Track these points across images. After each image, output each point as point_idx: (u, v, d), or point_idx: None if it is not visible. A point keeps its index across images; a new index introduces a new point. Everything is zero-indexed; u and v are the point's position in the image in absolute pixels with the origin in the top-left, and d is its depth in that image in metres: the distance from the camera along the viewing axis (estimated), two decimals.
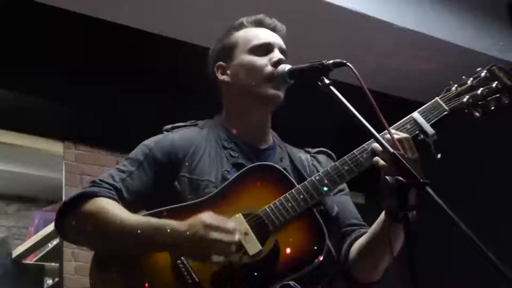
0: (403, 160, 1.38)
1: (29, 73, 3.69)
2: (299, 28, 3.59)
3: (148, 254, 1.66)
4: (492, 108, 1.77)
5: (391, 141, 1.50)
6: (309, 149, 1.95)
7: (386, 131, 1.60)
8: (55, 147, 4.19)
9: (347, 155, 1.72)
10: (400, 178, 1.39)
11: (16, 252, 4.78)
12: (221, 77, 1.88)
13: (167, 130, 1.86)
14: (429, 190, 1.32)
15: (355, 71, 1.52)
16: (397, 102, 4.35)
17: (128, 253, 1.65)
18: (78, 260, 3.98)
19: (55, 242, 4.38)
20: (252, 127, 1.87)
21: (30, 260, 4.78)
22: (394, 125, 1.73)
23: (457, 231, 1.29)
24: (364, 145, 1.71)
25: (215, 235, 1.55)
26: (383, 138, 1.48)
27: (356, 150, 1.72)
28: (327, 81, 1.58)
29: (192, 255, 1.60)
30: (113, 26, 3.49)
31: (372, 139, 1.63)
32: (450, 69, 4.18)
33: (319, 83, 1.59)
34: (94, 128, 4.16)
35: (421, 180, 1.33)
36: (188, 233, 1.56)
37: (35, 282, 4.69)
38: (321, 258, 1.62)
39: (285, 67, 1.77)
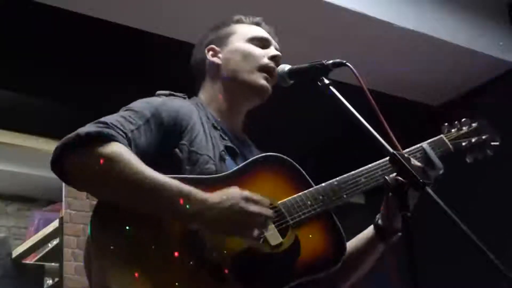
0: (403, 161, 1.38)
1: (29, 73, 3.69)
2: (299, 28, 3.59)
3: (162, 220, 1.49)
4: (479, 157, 1.96)
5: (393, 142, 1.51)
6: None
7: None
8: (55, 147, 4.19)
9: (365, 167, 1.72)
10: (400, 178, 1.39)
11: (16, 252, 4.78)
12: (212, 58, 1.84)
13: (165, 95, 1.75)
14: (429, 190, 1.32)
15: (355, 71, 1.52)
16: (397, 102, 4.36)
17: (143, 210, 1.47)
18: (78, 260, 3.98)
19: (55, 242, 4.38)
20: (232, 114, 1.83)
21: (30, 260, 4.78)
22: (405, 151, 1.74)
23: (457, 231, 1.29)
24: (381, 160, 1.72)
25: (255, 208, 1.45)
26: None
27: (373, 164, 1.72)
28: (326, 81, 1.58)
29: (224, 228, 1.46)
30: (113, 26, 3.49)
31: (385, 155, 1.58)
32: (450, 69, 4.20)
33: (318, 83, 1.59)
34: None
35: (421, 180, 1.33)
36: (224, 204, 1.44)
37: (35, 282, 4.68)
38: (339, 264, 1.59)
39: (285, 67, 1.77)
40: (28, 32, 3.44)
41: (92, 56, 3.69)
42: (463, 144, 1.93)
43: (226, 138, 1.74)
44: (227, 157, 1.69)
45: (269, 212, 1.49)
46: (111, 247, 1.42)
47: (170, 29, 3.61)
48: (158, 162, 1.55)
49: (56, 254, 4.20)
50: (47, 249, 4.56)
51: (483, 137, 1.96)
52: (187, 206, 1.43)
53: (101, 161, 1.45)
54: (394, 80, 4.26)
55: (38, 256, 4.68)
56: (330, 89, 1.56)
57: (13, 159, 5.10)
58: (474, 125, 1.98)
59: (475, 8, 4.20)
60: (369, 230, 1.74)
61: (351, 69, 1.54)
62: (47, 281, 4.70)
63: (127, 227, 1.45)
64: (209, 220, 1.44)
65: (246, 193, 1.48)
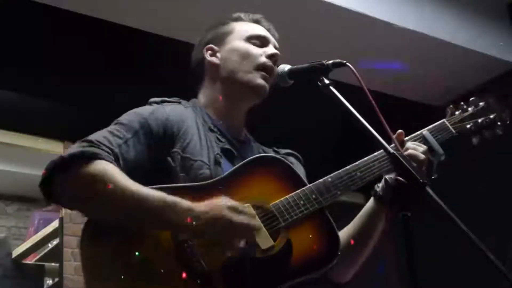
0: (403, 161, 1.38)
1: (29, 73, 3.69)
2: (299, 28, 3.59)
3: (151, 232, 1.50)
4: (488, 138, 1.88)
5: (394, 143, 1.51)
6: (277, 149, 1.91)
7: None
8: (55, 147, 4.19)
9: (360, 161, 1.71)
10: (400, 178, 1.39)
11: (16, 252, 4.78)
12: (210, 58, 1.85)
13: (157, 103, 1.76)
14: (429, 190, 1.32)
15: (355, 71, 1.52)
16: (397, 102, 4.36)
17: (130, 226, 1.48)
18: (78, 260, 3.94)
19: (55, 242, 4.39)
20: (232, 114, 1.82)
21: (30, 260, 4.78)
22: (405, 139, 1.76)
23: (457, 231, 1.29)
24: (377, 153, 1.71)
25: (240, 217, 1.45)
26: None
27: (369, 157, 1.71)
28: (327, 81, 1.58)
29: (210, 237, 1.46)
30: (113, 26, 3.49)
31: (381, 149, 1.60)
32: (450, 69, 4.20)
33: (319, 83, 1.59)
34: (94, 128, 4.15)
35: (421, 181, 1.33)
36: (209, 214, 1.44)
37: (35, 282, 4.69)
38: (334, 262, 1.58)
39: (285, 67, 1.76)
40: (28, 32, 3.44)
41: (93, 56, 3.68)
42: (468, 126, 1.87)
43: (224, 140, 1.74)
44: (223, 160, 1.68)
45: (254, 222, 1.49)
46: (98, 261, 1.47)
47: (170, 29, 3.61)
48: (152, 171, 1.59)
49: (56, 254, 4.21)
50: (47, 249, 4.57)
51: (491, 116, 1.89)
52: (173, 217, 1.44)
53: (85, 181, 1.47)
54: (394, 80, 4.26)
55: (38, 256, 4.69)
56: (330, 89, 1.56)
57: (13, 159, 5.11)
58: (481, 104, 1.91)
59: (475, 8, 4.20)
60: (370, 205, 1.74)
61: (351, 69, 1.54)
62: (47, 281, 4.71)
63: (115, 242, 1.48)
64: (195, 230, 1.44)
65: (232, 202, 1.48)
